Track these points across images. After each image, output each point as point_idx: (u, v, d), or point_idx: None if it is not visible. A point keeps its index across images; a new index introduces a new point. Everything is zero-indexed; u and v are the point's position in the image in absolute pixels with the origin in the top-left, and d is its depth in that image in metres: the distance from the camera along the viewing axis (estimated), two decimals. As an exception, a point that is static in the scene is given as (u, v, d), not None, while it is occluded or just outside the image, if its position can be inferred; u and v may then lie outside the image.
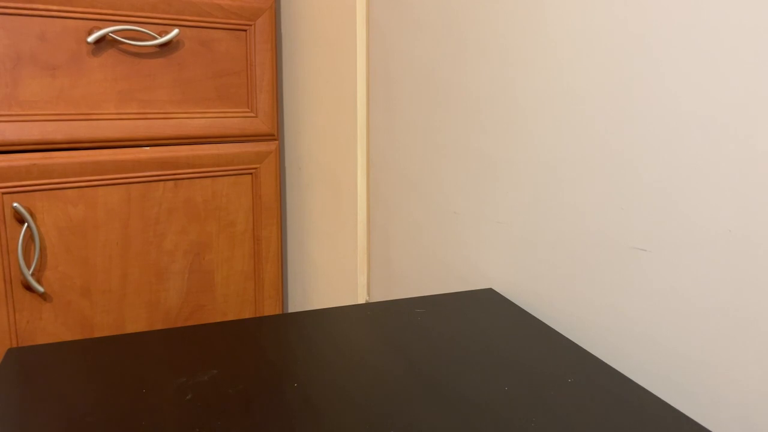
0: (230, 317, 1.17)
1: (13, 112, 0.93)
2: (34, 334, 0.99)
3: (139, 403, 0.39)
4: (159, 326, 1.10)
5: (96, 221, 1.01)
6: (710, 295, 0.41)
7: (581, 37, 0.49)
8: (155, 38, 1.00)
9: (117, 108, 1.00)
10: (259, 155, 1.13)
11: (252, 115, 1.11)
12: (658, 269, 0.44)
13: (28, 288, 0.97)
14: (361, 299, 0.94)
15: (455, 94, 0.67)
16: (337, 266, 1.01)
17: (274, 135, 1.14)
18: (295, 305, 1.25)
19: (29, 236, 0.96)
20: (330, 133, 0.99)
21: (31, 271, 0.96)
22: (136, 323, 1.07)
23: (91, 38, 0.95)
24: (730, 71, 0.38)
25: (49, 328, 1.00)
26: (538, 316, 0.56)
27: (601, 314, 0.49)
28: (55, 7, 0.93)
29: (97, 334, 1.04)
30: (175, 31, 1.01)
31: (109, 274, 1.03)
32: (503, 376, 0.43)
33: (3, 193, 0.93)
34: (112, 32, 0.97)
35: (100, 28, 0.96)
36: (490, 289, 0.60)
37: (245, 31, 1.08)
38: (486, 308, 0.55)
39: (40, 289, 0.97)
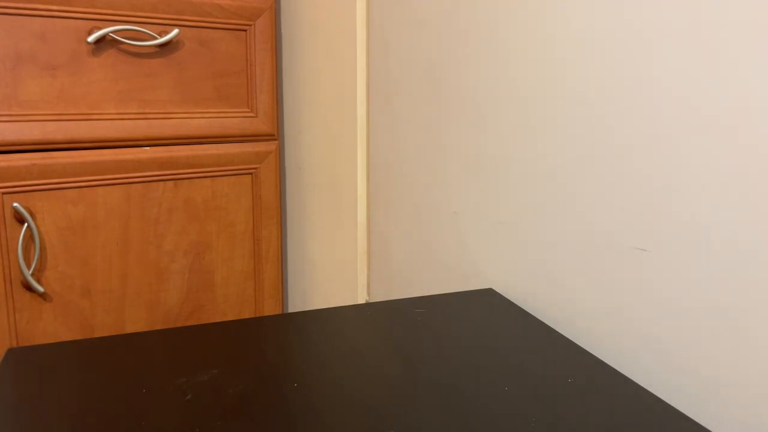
0: (230, 317, 1.17)
1: (13, 112, 0.93)
2: (34, 334, 0.99)
3: (139, 403, 0.39)
4: (159, 326, 1.10)
5: (96, 221, 1.01)
6: (710, 295, 0.41)
7: (582, 36, 0.49)
8: (155, 38, 1.00)
9: (117, 108, 1.00)
10: (259, 155, 1.13)
11: (252, 115, 1.11)
12: (658, 269, 0.44)
13: (28, 288, 0.97)
14: (361, 299, 0.94)
15: (455, 94, 0.67)
16: (337, 266, 1.01)
17: (274, 135, 1.14)
18: (295, 305, 1.25)
19: (29, 236, 0.96)
20: (330, 133, 0.99)
21: (31, 271, 0.96)
22: (136, 323, 1.07)
23: (91, 38, 0.95)
24: (732, 71, 0.38)
25: (49, 328, 1.00)
26: (538, 316, 0.56)
27: (601, 314, 0.49)
28: (55, 7, 0.93)
29: (97, 334, 1.04)
30: (175, 31, 1.01)
31: (109, 274, 1.03)
32: (503, 376, 0.43)
33: (3, 193, 0.93)
34: (112, 32, 0.97)
35: (100, 28, 0.96)
36: (490, 289, 0.60)
37: (245, 31, 1.08)
38: (486, 308, 0.55)
39: (40, 289, 0.97)
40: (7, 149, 0.93)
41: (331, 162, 1.00)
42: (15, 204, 0.93)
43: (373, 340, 0.48)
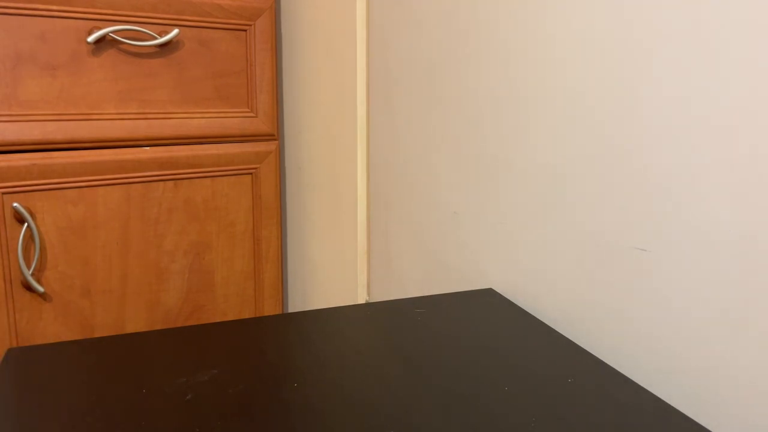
0: (230, 317, 1.17)
1: (13, 112, 0.93)
2: (34, 334, 0.99)
3: (138, 403, 0.39)
4: (159, 326, 1.10)
5: (96, 221, 1.01)
6: (710, 295, 0.41)
7: (582, 37, 0.49)
8: (155, 38, 1.00)
9: (117, 108, 1.00)
10: (259, 155, 1.13)
11: (252, 115, 1.11)
12: (658, 269, 0.44)
13: (28, 288, 0.97)
14: (361, 299, 0.94)
15: (455, 94, 0.67)
16: (337, 266, 1.01)
17: (274, 135, 1.14)
18: (295, 305, 1.25)
19: (29, 236, 0.96)
20: (330, 133, 0.99)
21: (31, 271, 0.96)
22: (136, 323, 1.07)
23: (91, 38, 0.95)
24: (732, 72, 0.38)
25: (49, 328, 1.00)
26: (538, 316, 0.56)
27: (601, 314, 0.49)
28: (55, 7, 0.93)
29: (97, 334, 1.04)
30: (175, 31, 1.01)
31: (109, 274, 1.03)
32: (503, 376, 0.43)
33: (3, 193, 0.93)
34: (112, 32, 0.97)
35: (100, 28, 0.96)
36: (490, 289, 0.60)
37: (245, 31, 1.08)
38: (486, 308, 0.55)
39: (40, 289, 0.97)
40: (7, 149, 0.93)
41: (331, 162, 1.00)
42: (15, 204, 0.93)
43: (373, 340, 0.48)
